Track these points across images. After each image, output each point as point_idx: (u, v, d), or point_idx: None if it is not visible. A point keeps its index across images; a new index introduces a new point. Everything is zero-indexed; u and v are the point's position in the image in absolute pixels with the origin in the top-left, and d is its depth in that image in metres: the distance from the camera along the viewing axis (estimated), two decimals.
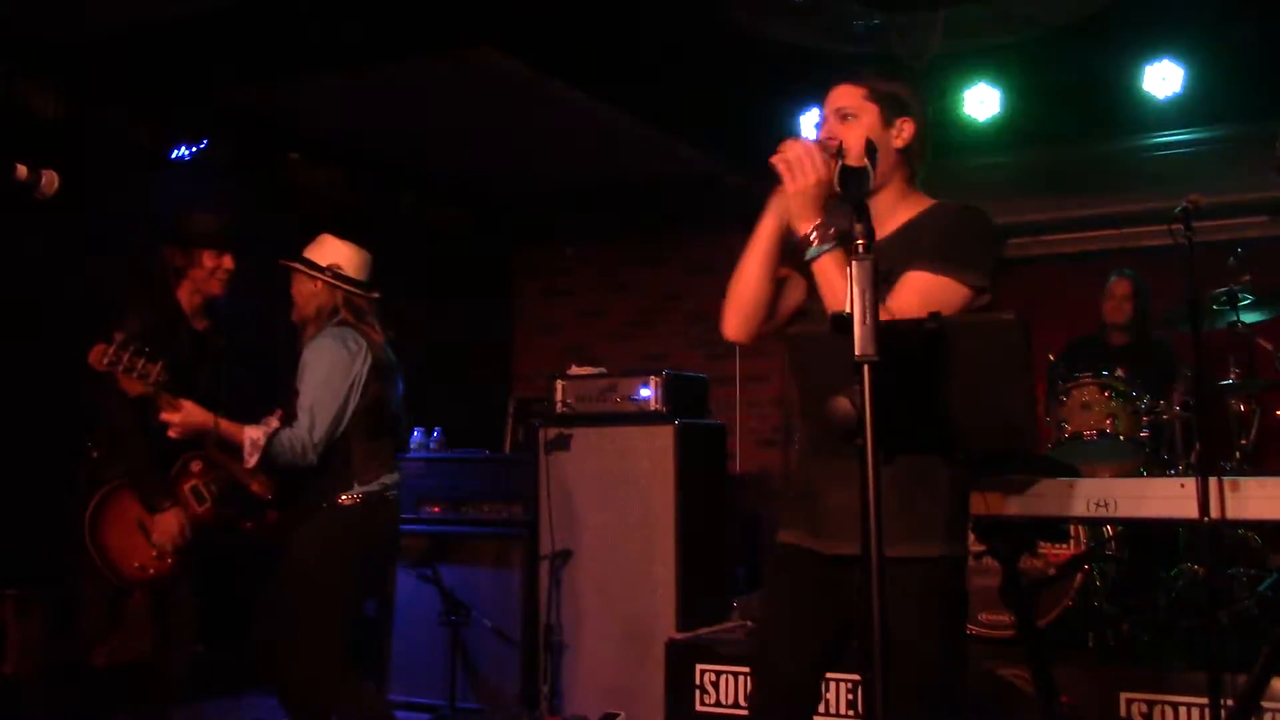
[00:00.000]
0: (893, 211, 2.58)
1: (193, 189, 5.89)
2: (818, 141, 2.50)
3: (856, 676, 4.08)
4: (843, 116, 2.57)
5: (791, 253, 2.58)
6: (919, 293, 2.36)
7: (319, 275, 3.87)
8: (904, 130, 2.58)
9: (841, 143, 2.49)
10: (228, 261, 4.04)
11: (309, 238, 3.94)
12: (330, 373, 3.74)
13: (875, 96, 2.57)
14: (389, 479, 3.79)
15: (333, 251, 3.90)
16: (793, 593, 2.56)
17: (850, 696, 4.14)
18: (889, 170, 2.57)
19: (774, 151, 2.49)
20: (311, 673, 3.64)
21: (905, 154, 2.59)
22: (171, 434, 3.58)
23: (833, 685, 4.22)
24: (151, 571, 3.83)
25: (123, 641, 4.15)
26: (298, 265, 3.90)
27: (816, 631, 2.53)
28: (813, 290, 2.53)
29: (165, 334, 3.87)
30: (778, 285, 2.63)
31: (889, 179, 2.58)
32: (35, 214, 3.14)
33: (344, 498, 3.70)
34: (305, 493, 3.76)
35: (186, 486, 3.91)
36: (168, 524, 3.77)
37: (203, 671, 5.55)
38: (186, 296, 4.03)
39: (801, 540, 2.52)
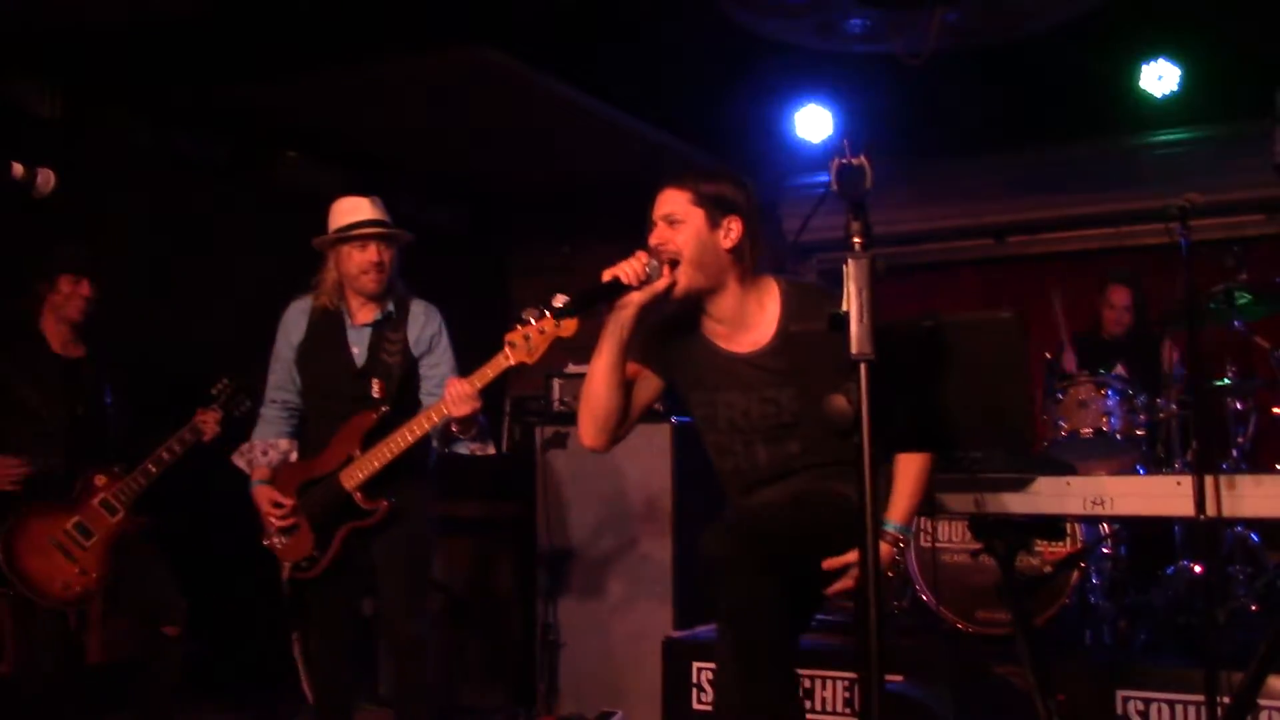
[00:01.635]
0: (743, 311, 2.72)
1: (191, 188, 5.90)
2: (648, 250, 2.63)
3: (854, 675, 4.09)
4: (670, 222, 2.66)
5: (637, 349, 2.74)
6: None
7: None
8: (731, 230, 2.68)
9: (672, 249, 2.63)
10: (84, 288, 4.11)
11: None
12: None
13: (700, 200, 2.66)
14: None
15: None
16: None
17: (847, 695, 4.15)
18: (721, 272, 2.69)
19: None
20: (425, 630, 3.72)
21: (735, 253, 2.69)
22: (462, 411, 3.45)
23: (830, 684, 4.22)
24: (77, 589, 3.97)
25: (107, 640, 4.24)
26: (402, 231, 3.85)
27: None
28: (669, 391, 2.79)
29: (21, 367, 4.05)
30: (627, 389, 2.76)
31: (724, 281, 2.70)
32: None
33: (430, 466, 3.77)
34: (413, 465, 3.68)
35: (96, 501, 4.04)
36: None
37: (202, 671, 5.58)
38: (51, 326, 4.15)
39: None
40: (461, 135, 6.46)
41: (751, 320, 2.73)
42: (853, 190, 2.05)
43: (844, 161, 2.28)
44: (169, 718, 4.22)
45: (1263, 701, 3.48)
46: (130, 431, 4.26)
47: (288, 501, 3.66)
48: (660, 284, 2.63)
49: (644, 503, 5.03)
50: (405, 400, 3.71)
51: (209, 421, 4.17)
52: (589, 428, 2.76)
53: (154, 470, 4.10)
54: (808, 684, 4.24)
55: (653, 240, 2.67)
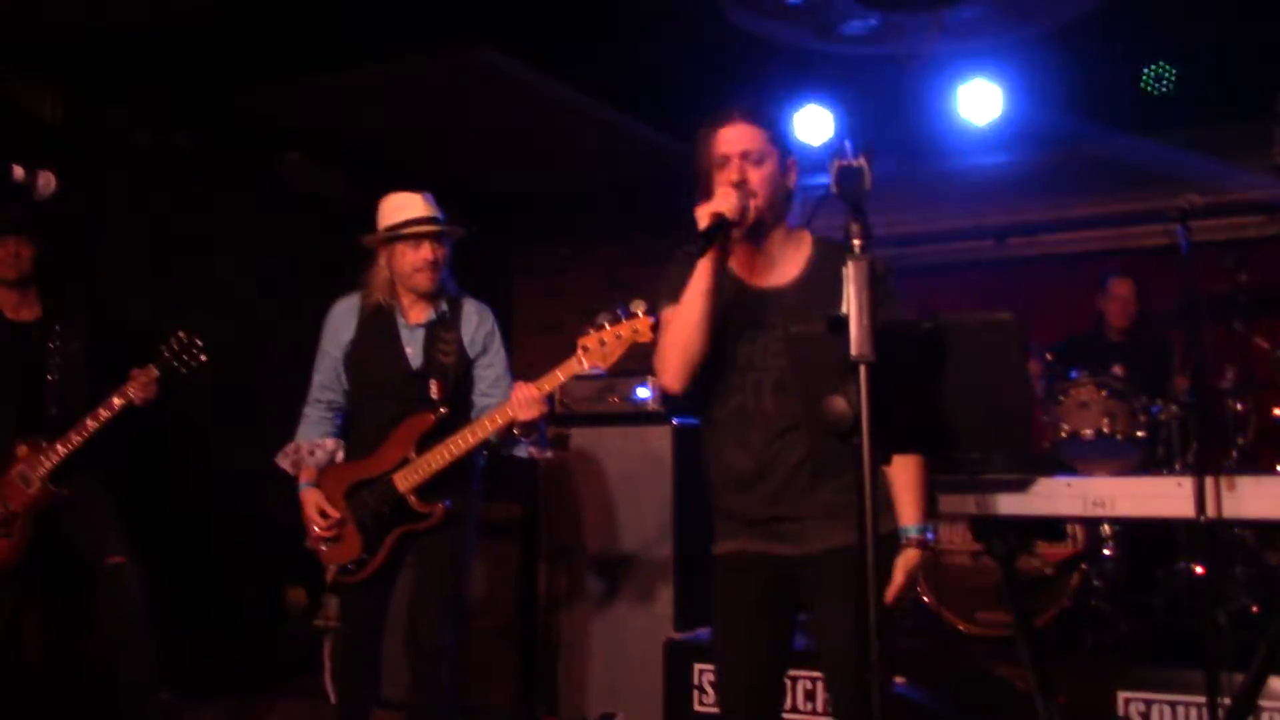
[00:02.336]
0: (783, 252, 2.70)
1: (191, 189, 5.90)
2: (734, 185, 2.57)
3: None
4: (751, 160, 2.61)
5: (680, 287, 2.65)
6: None
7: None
8: (792, 171, 2.69)
9: (753, 188, 2.58)
10: (10, 246, 4.09)
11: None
12: None
13: (775, 139, 2.66)
14: None
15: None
16: (743, 602, 2.70)
17: None
18: (779, 213, 2.67)
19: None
20: (451, 638, 3.64)
21: (791, 195, 2.70)
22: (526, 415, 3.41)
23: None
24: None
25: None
26: (455, 228, 3.78)
27: (771, 635, 2.70)
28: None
29: None
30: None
31: (780, 221, 2.68)
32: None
33: (479, 470, 3.73)
34: (465, 469, 3.64)
35: (14, 472, 3.99)
36: None
37: (202, 671, 5.58)
38: (1, 291, 4.12)
39: (751, 546, 2.68)
40: (461, 135, 6.46)
41: (787, 258, 2.71)
42: (852, 191, 2.05)
43: (844, 163, 2.28)
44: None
45: (1263, 703, 3.48)
46: (87, 399, 4.11)
47: (335, 513, 3.60)
48: (750, 218, 2.57)
49: (645, 504, 5.03)
50: (459, 401, 3.65)
51: (139, 382, 4.01)
52: (682, 371, 2.64)
53: (76, 440, 3.98)
54: (808, 684, 4.24)
55: (734, 176, 2.59)
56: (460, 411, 3.62)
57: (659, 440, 5.03)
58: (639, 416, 5.14)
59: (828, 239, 2.73)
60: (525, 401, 3.36)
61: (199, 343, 4.08)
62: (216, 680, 5.59)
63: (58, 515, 4.04)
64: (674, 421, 5.03)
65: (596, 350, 3.24)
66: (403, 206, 3.66)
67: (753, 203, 2.57)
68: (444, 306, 3.70)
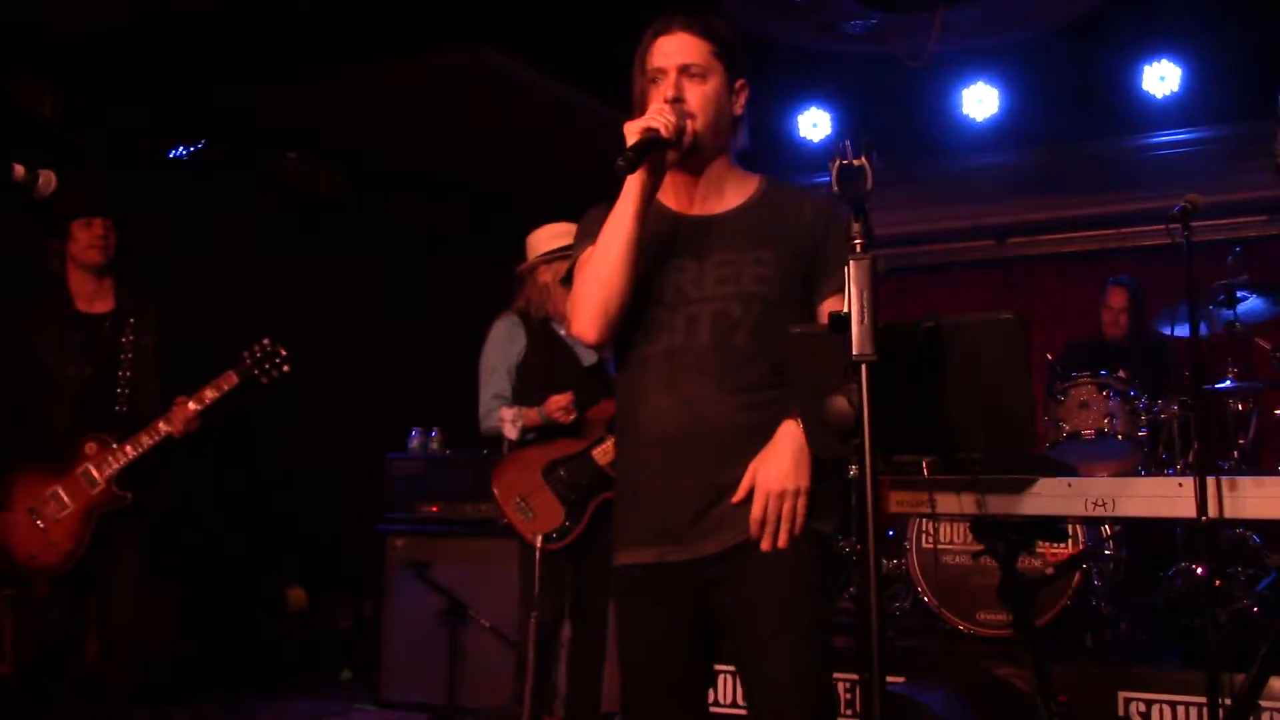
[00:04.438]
0: (724, 183, 2.35)
1: (191, 189, 5.91)
2: (670, 102, 2.25)
3: (855, 676, 4.08)
4: (690, 75, 2.27)
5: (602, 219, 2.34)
6: None
7: None
8: (741, 95, 2.33)
9: (691, 108, 2.24)
10: (98, 227, 3.89)
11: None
12: None
13: (723, 54, 2.29)
14: None
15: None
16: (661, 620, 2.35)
17: (848, 696, 4.14)
18: (725, 139, 2.32)
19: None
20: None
21: (738, 121, 2.34)
22: None
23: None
24: (42, 561, 3.71)
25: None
26: None
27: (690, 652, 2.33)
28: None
29: (40, 326, 3.85)
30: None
31: (722, 150, 2.33)
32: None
33: None
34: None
35: (79, 470, 3.79)
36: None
37: (202, 671, 5.59)
38: (76, 280, 3.92)
39: (663, 555, 2.30)
40: (461, 135, 6.46)
41: (728, 187, 2.35)
42: (853, 191, 2.04)
43: (844, 162, 2.28)
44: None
45: (1264, 703, 3.48)
46: (155, 398, 3.93)
47: (565, 396, 4.03)
48: (686, 141, 2.23)
49: None
50: None
51: (180, 415, 3.81)
52: (599, 319, 2.26)
53: (146, 443, 3.80)
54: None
55: (669, 92, 2.25)
56: None
57: None
58: None
59: (788, 186, 2.41)
60: None
61: (283, 353, 3.97)
62: (217, 680, 5.60)
63: (97, 540, 3.79)
64: None
65: None
66: (567, 231, 4.04)
67: (689, 124, 2.23)
68: None
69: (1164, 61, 5.58)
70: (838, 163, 2.29)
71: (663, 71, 2.28)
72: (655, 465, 2.29)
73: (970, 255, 7.21)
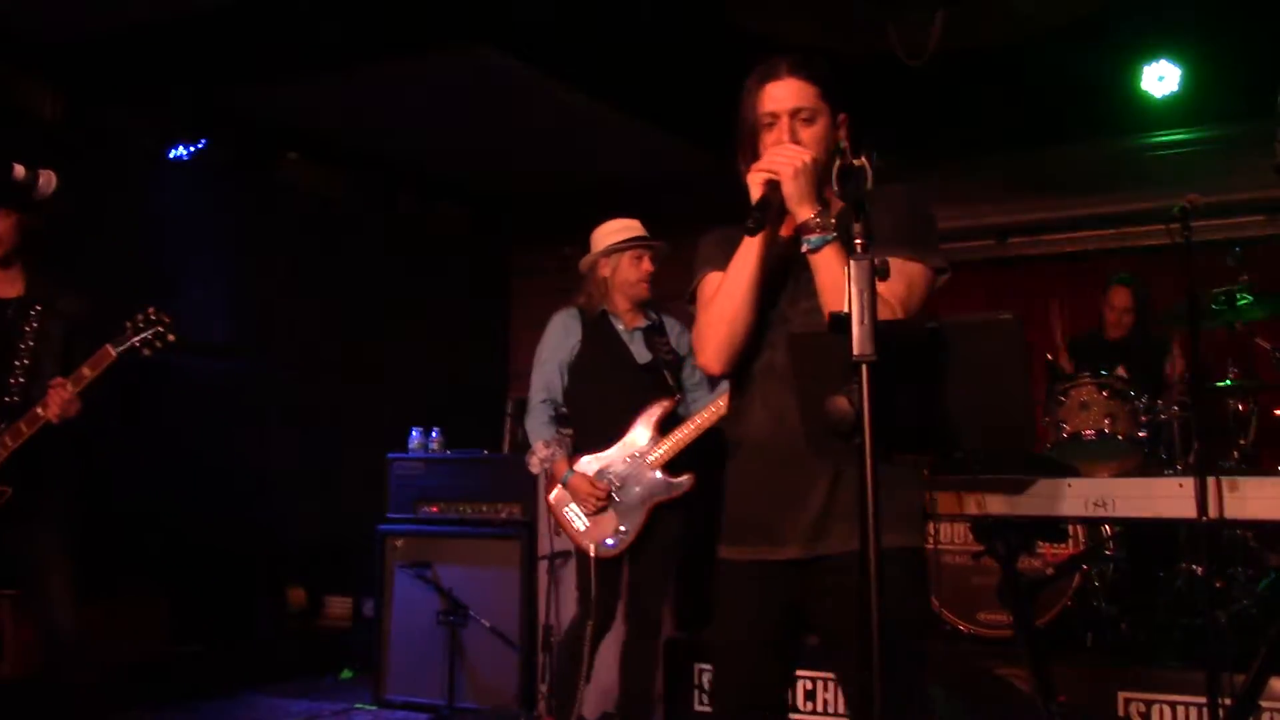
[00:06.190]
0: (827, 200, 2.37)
1: (191, 189, 5.90)
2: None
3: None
4: (804, 120, 2.35)
5: (722, 258, 2.42)
6: (903, 278, 2.25)
7: None
8: (843, 128, 2.41)
9: (809, 152, 2.29)
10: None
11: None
12: None
13: (828, 95, 2.37)
14: None
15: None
16: (749, 611, 2.42)
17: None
18: (829, 169, 2.36)
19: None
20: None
21: (840, 150, 2.39)
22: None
23: (831, 685, 4.22)
24: None
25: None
26: (663, 244, 4.22)
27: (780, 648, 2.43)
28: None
29: None
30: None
31: (825, 180, 2.35)
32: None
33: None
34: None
35: None
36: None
37: (202, 672, 5.59)
38: None
39: (756, 553, 2.38)
40: (461, 135, 6.46)
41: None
42: (853, 191, 2.04)
43: (844, 162, 2.28)
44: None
45: (1264, 703, 3.48)
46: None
47: (604, 485, 4.01)
48: (818, 156, 2.30)
49: None
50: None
51: (57, 397, 3.49)
52: (726, 352, 2.38)
53: (12, 442, 3.50)
54: (809, 684, 4.24)
55: (785, 138, 2.32)
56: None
57: None
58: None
59: (885, 185, 2.40)
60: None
61: (166, 320, 3.59)
62: (217, 680, 5.60)
63: None
64: None
65: None
66: (628, 227, 4.23)
67: (807, 159, 2.28)
68: (653, 314, 4.26)
69: (1163, 61, 5.58)
70: (838, 163, 2.30)
71: (775, 116, 2.37)
72: (754, 474, 2.42)
73: (972, 256, 7.21)
